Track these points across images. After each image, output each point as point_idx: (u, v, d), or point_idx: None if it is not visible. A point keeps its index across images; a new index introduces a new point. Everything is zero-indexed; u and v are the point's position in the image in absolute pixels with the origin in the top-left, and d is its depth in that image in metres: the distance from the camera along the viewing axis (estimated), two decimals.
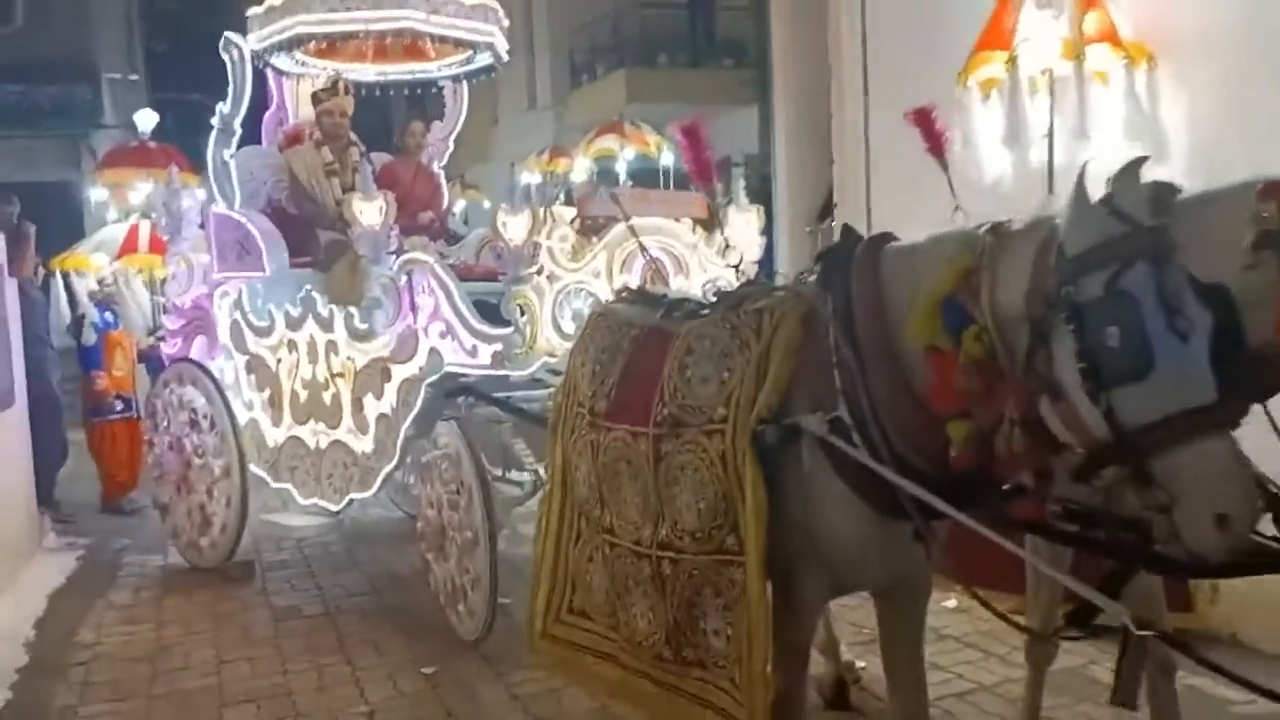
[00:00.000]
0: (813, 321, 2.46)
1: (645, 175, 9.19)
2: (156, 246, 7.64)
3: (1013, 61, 3.96)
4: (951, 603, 4.44)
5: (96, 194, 9.37)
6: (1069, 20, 3.89)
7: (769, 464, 2.41)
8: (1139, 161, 2.00)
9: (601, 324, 3.14)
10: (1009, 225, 2.14)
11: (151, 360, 8.05)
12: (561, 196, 8.07)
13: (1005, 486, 2.26)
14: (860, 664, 3.87)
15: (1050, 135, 4.11)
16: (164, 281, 6.31)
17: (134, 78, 15.86)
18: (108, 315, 7.73)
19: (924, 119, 3.11)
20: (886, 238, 2.46)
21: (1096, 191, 2.02)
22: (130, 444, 7.45)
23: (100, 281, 8.00)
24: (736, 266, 4.27)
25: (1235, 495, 1.75)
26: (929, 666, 3.94)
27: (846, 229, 2.57)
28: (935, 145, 3.11)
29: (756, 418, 2.44)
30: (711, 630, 2.60)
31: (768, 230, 5.38)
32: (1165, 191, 2.15)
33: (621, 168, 8.35)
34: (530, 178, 10.59)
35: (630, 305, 3.17)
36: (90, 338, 7.60)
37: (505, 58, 5.68)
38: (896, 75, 5.36)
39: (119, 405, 7.50)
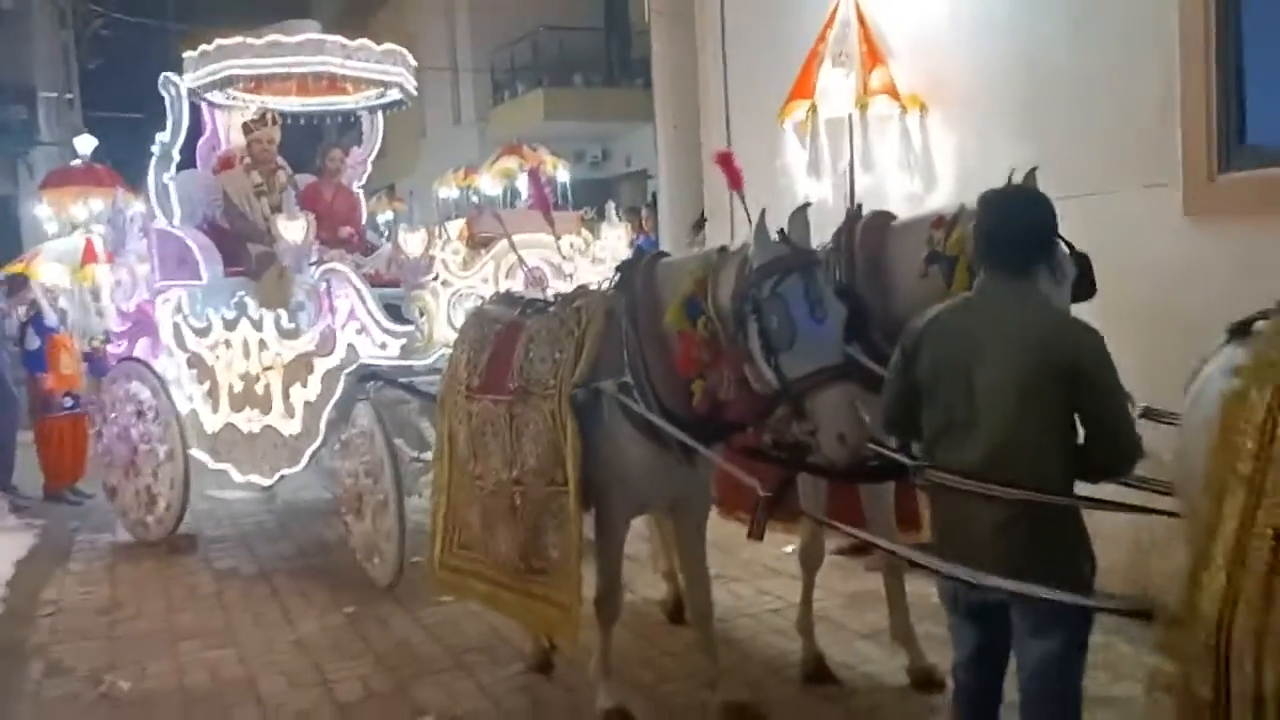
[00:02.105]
0: (613, 315, 3.40)
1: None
2: (89, 258, 8.32)
3: (814, 109, 4.97)
4: (789, 548, 5.40)
5: (40, 210, 9.97)
6: (857, 76, 4.90)
7: (582, 417, 3.34)
8: (805, 207, 2.97)
9: (475, 321, 4.08)
10: (729, 249, 3.10)
11: (94, 361, 8.75)
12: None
13: (736, 426, 3.22)
14: None
15: (851, 166, 5.13)
16: (110, 289, 7.01)
17: (69, 97, 16.32)
18: (48, 321, 8.37)
19: (725, 160, 4.08)
20: (662, 255, 3.43)
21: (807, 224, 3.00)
22: (75, 439, 8.13)
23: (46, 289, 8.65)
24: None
25: (850, 421, 2.72)
26: (761, 594, 4.96)
27: (638, 250, 3.53)
28: (734, 180, 4.08)
29: (573, 384, 3.37)
30: (550, 545, 3.51)
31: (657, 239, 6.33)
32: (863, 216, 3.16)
33: (522, 185, 9.28)
34: (449, 193, 11.47)
35: (497, 306, 4.10)
36: (34, 342, 8.24)
37: (414, 93, 6.54)
38: (752, 103, 6.32)
39: (68, 402, 8.17)
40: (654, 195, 5.77)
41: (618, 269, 3.54)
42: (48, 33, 16.51)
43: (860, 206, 3.83)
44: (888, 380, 2.67)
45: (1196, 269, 3.91)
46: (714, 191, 6.93)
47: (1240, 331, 1.53)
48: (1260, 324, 1.50)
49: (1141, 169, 4.21)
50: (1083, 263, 3.15)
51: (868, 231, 3.64)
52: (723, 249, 3.12)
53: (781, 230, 2.92)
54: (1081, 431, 2.41)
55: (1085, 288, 3.12)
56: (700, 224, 7.37)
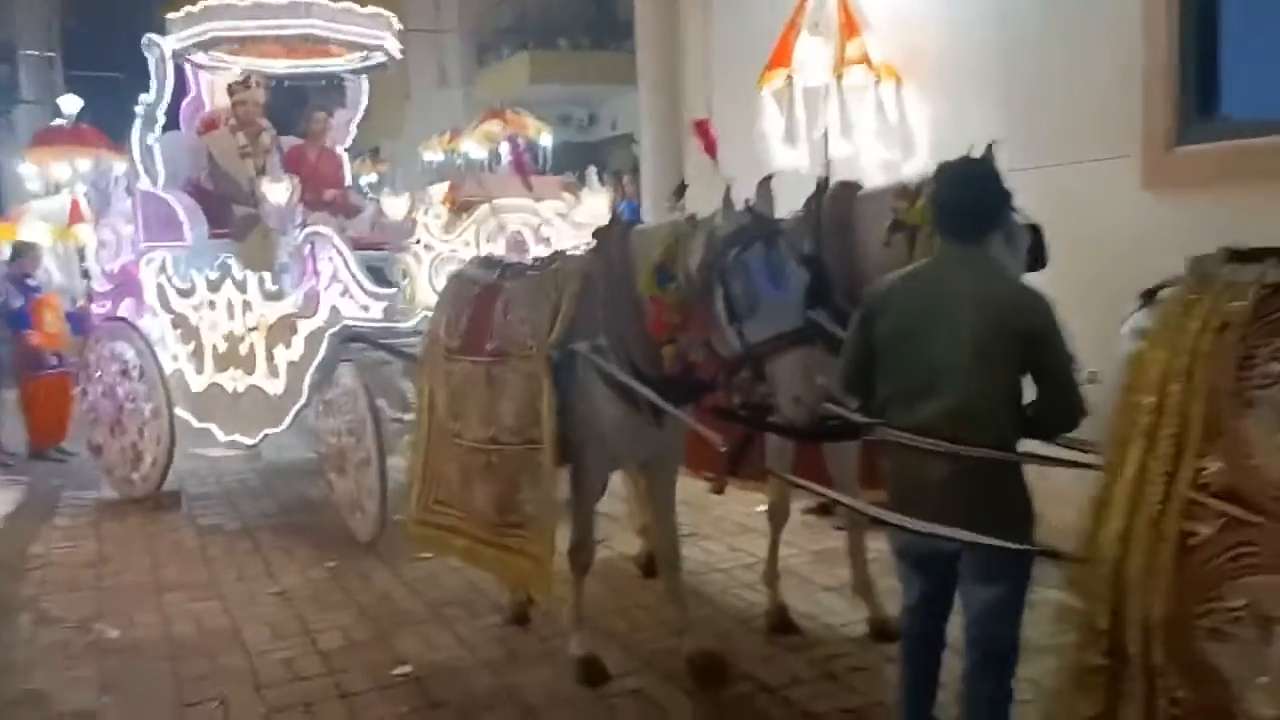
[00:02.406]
0: (589, 279, 3.51)
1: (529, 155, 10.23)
2: (75, 218, 8.35)
3: (790, 78, 5.06)
4: (760, 507, 5.56)
5: (24, 169, 9.96)
6: (834, 46, 4.99)
7: (558, 377, 3.46)
8: (769, 178, 3.07)
9: (455, 284, 4.18)
10: (698, 218, 3.21)
11: (78, 321, 8.80)
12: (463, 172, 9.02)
13: (705, 387, 3.35)
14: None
15: (826, 135, 5.23)
16: (95, 250, 7.05)
17: (50, 55, 16.17)
18: (30, 281, 8.41)
19: (701, 128, 4.19)
20: (635, 223, 3.53)
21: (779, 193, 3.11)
22: (61, 398, 8.19)
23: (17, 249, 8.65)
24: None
25: (805, 385, 2.83)
26: (733, 550, 5.12)
27: (613, 218, 3.64)
28: (709, 147, 4.19)
29: (549, 346, 3.48)
30: (526, 500, 3.64)
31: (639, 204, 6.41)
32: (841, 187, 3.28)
33: (505, 150, 9.33)
34: (433, 156, 11.49)
35: (476, 269, 4.19)
36: (16, 300, 8.28)
37: (398, 56, 6.59)
38: (735, 70, 6.37)
39: (53, 361, 8.22)
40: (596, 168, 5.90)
41: (594, 235, 3.65)
42: None
43: (828, 178, 3.93)
44: (846, 343, 2.79)
45: (1154, 240, 4.03)
46: (694, 158, 6.99)
47: (1148, 297, 1.65)
48: (1165, 291, 1.63)
49: (1105, 140, 4.33)
50: (1035, 235, 3.28)
51: (835, 200, 3.75)
52: (692, 218, 3.22)
53: (747, 200, 3.02)
54: (1031, 392, 2.55)
55: (1037, 259, 3.25)
56: (681, 190, 7.43)
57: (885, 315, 2.63)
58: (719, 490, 3.02)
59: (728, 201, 3.00)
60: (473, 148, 9.81)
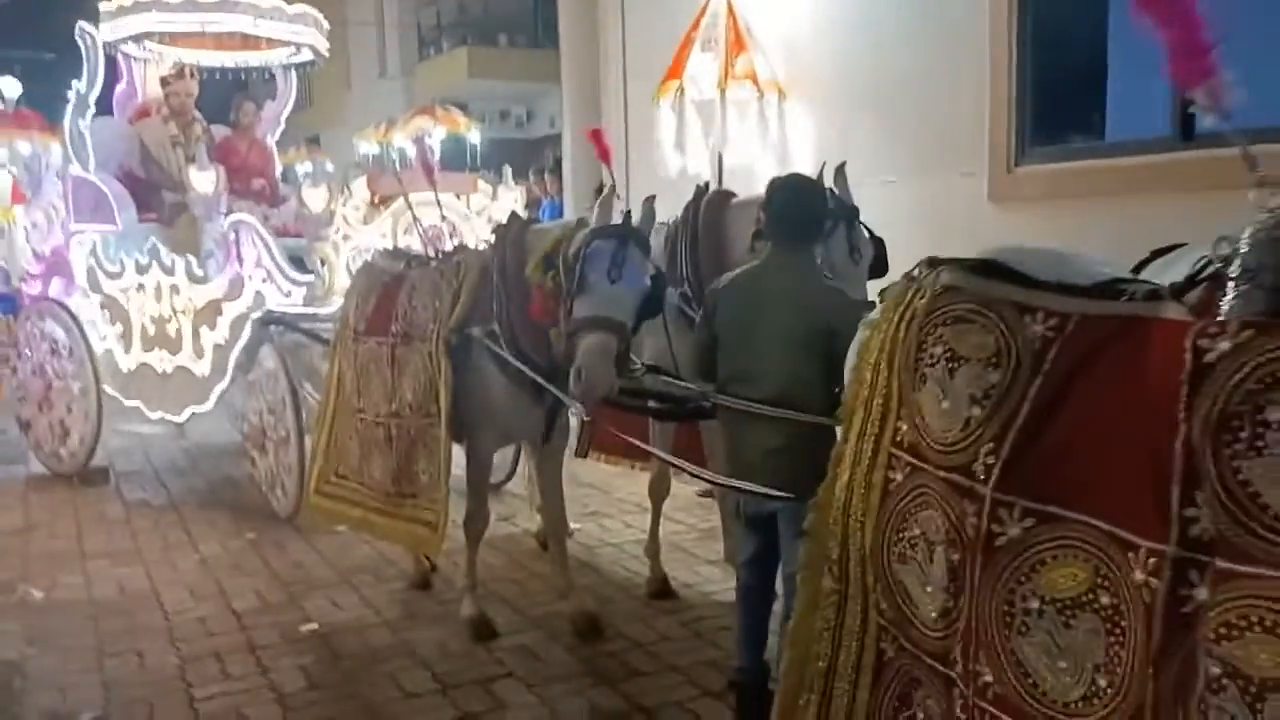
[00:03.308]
0: (486, 270, 3.89)
1: (455, 152, 10.54)
2: (16, 199, 8.49)
3: (682, 89, 5.49)
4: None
5: None
6: (722, 62, 5.41)
7: (455, 358, 3.83)
8: (651, 198, 3.44)
9: (365, 272, 4.53)
10: (582, 219, 3.59)
11: (5, 301, 8.94)
12: (397, 166, 9.30)
13: None
14: (576, 526, 5.39)
15: (719, 145, 5.66)
16: (27, 231, 7.24)
17: None
18: None
19: (595, 137, 4.58)
20: (532, 220, 3.91)
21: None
22: None
23: None
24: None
25: (590, 363, 3.17)
26: (627, 527, 5.51)
27: (512, 215, 4.02)
28: (602, 154, 4.58)
29: (448, 329, 3.86)
30: (421, 470, 4.01)
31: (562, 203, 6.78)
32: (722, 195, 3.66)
33: (436, 144, 9.63)
34: (368, 147, 11.74)
35: (385, 259, 4.55)
36: None
37: (325, 55, 6.87)
38: (646, 78, 6.78)
39: None
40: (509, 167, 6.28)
41: (493, 230, 4.02)
42: None
43: (707, 185, 4.35)
44: (695, 333, 3.21)
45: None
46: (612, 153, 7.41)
47: (882, 294, 2.07)
48: (886, 290, 2.05)
49: (960, 159, 4.81)
50: (879, 246, 3.73)
51: (709, 208, 4.17)
52: (581, 220, 3.60)
53: (627, 213, 3.41)
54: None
55: (880, 267, 3.69)
56: (599, 190, 7.85)
57: (722, 309, 3.06)
58: (583, 454, 3.41)
59: (605, 204, 3.39)
60: (403, 141, 10.10)
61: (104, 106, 6.97)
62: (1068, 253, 1.90)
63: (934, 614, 1.76)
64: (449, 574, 4.70)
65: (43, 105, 11.21)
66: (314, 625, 4.24)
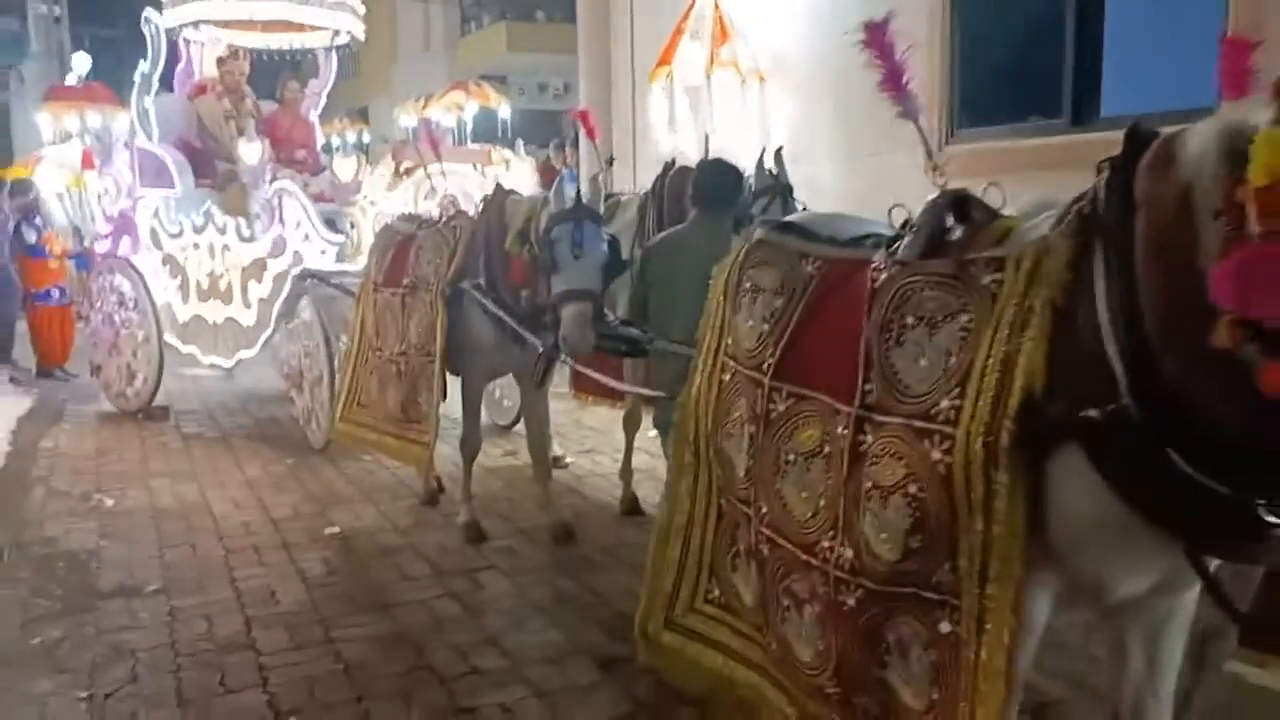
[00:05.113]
0: (475, 235, 4.62)
1: (487, 125, 11.28)
2: (87, 165, 9.43)
3: (671, 75, 6.15)
4: (652, 432, 6.69)
5: (39, 119, 11.01)
6: (708, 50, 6.07)
7: (450, 307, 4.58)
8: (597, 175, 4.17)
9: (384, 233, 5.31)
10: (546, 197, 4.28)
11: (80, 259, 9.90)
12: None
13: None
14: (570, 460, 6.16)
15: (706, 124, 6.32)
16: (98, 195, 8.14)
17: (57, 14, 17.19)
18: (37, 221, 9.49)
19: (583, 118, 5.28)
20: (513, 191, 4.63)
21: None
22: (63, 326, 9.33)
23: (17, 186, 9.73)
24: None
25: (572, 329, 3.86)
26: (616, 462, 6.22)
27: (497, 187, 4.74)
28: (590, 134, 5.29)
29: (445, 283, 4.61)
30: (423, 400, 4.78)
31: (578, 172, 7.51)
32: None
33: (469, 117, 10.37)
34: (408, 120, 12.50)
35: (401, 223, 5.31)
36: (31, 236, 9.38)
37: (362, 38, 7.64)
38: (648, 62, 7.45)
39: (55, 294, 9.34)
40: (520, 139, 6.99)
41: (481, 200, 4.76)
42: None
43: (673, 160, 5.02)
44: (632, 283, 3.92)
45: None
46: (619, 137, 8.11)
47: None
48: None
49: (906, 139, 5.41)
50: None
51: (673, 181, 4.85)
52: (545, 198, 4.29)
53: (577, 192, 4.10)
54: None
55: None
56: (609, 162, 8.54)
57: (653, 263, 3.76)
58: (538, 384, 4.17)
59: (559, 189, 4.08)
60: (441, 114, 10.86)
61: (165, 84, 7.82)
62: (852, 218, 2.58)
63: (742, 472, 2.45)
64: (454, 493, 5.48)
65: (110, 78, 12.18)
66: (336, 529, 5.05)
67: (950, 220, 2.14)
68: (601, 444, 6.70)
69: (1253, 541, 1.60)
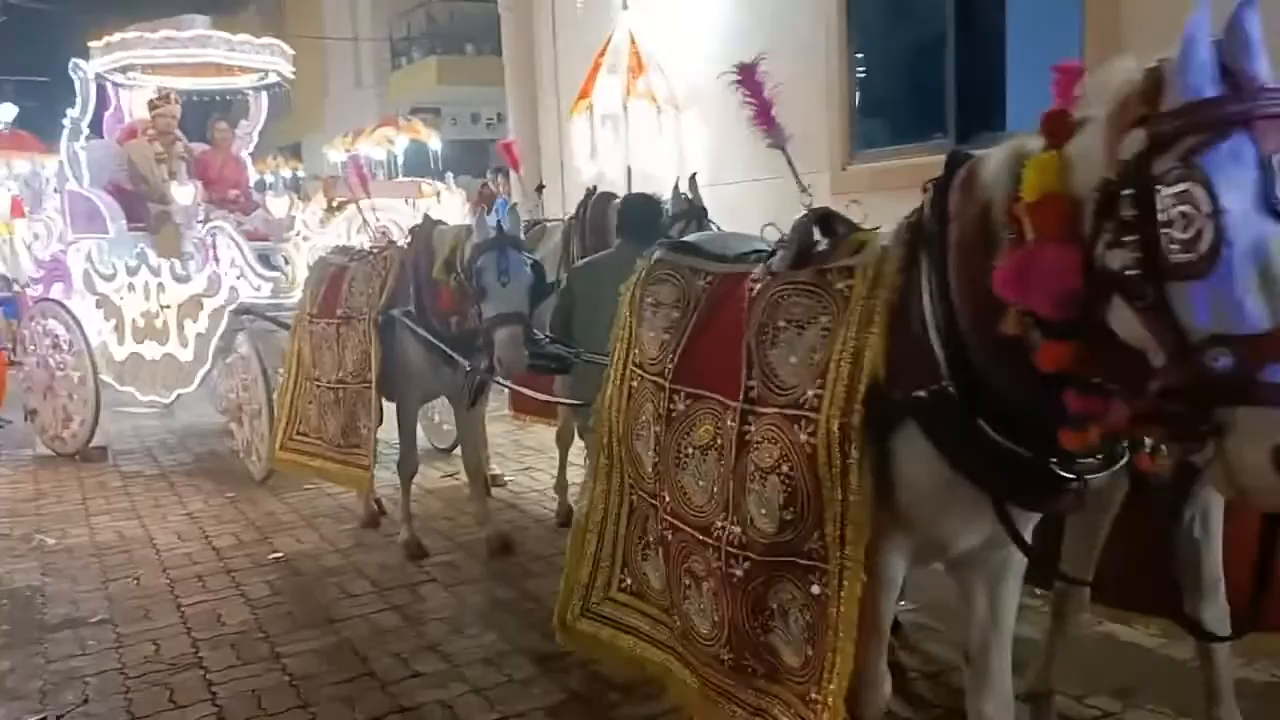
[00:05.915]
0: (404, 264, 4.85)
1: (419, 159, 11.53)
2: (16, 213, 9.46)
3: (591, 107, 6.46)
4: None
5: None
6: (624, 82, 6.39)
7: (382, 334, 4.79)
8: (515, 204, 4.43)
9: (318, 266, 5.51)
10: (469, 227, 4.53)
11: (9, 305, 9.89)
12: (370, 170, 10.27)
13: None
14: (510, 477, 6.37)
15: (625, 152, 6.64)
16: (29, 241, 8.18)
17: None
18: None
19: (505, 149, 5.54)
20: (440, 222, 4.87)
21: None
22: None
23: None
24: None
25: (506, 351, 4.13)
26: (553, 477, 6.45)
27: (425, 218, 4.98)
28: (513, 163, 5.55)
29: (377, 311, 4.82)
30: (361, 425, 4.95)
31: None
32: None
33: (399, 151, 10.60)
34: (337, 155, 12.70)
35: (334, 255, 5.51)
36: None
37: (290, 78, 7.84)
38: (572, 94, 7.77)
39: None
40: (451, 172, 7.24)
41: (409, 231, 4.99)
42: None
43: (594, 188, 5.31)
44: (556, 302, 4.18)
45: None
46: (548, 165, 8.40)
47: None
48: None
49: (814, 161, 5.79)
50: None
51: (594, 207, 5.14)
52: (469, 228, 4.54)
53: (498, 223, 4.35)
54: None
55: None
56: (539, 189, 8.83)
57: (578, 284, 4.03)
58: (471, 403, 4.39)
59: (481, 220, 4.34)
60: (370, 149, 11.08)
61: (95, 129, 7.92)
62: (741, 236, 2.88)
63: (650, 468, 2.71)
64: (394, 515, 5.65)
65: (37, 122, 12.18)
66: (279, 554, 5.20)
67: (817, 234, 2.43)
68: (539, 462, 6.91)
69: (1050, 494, 1.92)
